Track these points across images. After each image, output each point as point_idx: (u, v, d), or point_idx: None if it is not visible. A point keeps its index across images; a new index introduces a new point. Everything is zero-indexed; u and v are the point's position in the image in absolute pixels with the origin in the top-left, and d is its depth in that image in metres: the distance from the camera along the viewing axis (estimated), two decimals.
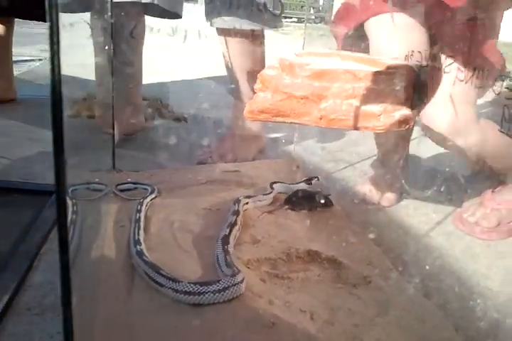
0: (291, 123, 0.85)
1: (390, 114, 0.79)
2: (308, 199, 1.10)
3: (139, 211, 0.99)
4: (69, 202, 0.99)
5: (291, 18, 4.91)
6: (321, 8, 5.29)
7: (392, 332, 0.70)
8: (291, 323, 0.69)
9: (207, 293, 0.72)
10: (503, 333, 0.73)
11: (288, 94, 0.83)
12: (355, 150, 1.49)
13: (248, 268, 0.83)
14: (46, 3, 0.36)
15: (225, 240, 0.88)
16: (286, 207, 1.10)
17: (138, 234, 0.90)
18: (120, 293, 0.75)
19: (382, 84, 0.80)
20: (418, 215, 1.15)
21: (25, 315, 0.73)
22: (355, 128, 0.81)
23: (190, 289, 0.73)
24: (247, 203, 1.06)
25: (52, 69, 0.40)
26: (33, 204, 1.05)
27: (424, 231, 1.08)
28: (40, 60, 3.27)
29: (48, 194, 1.08)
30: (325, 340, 0.67)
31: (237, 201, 1.04)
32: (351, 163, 1.45)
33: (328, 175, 1.36)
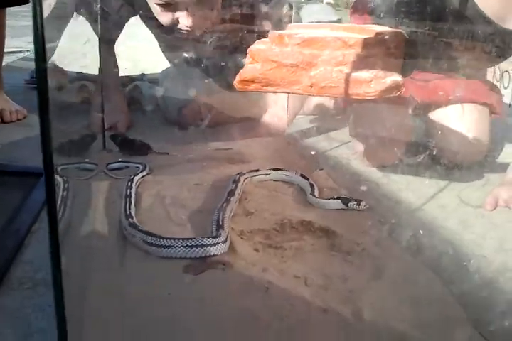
0: (281, 92, 0.85)
1: (380, 80, 0.78)
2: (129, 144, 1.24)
3: (130, 187, 0.99)
4: (59, 180, 0.98)
5: None
6: None
7: (385, 295, 0.70)
8: (285, 288, 0.69)
9: (218, 244, 0.76)
10: (499, 286, 0.73)
11: (277, 63, 0.82)
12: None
13: (242, 238, 0.83)
14: None
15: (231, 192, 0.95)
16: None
17: (129, 209, 0.90)
18: (113, 264, 0.75)
19: (373, 50, 0.79)
20: (411, 190, 1.15)
21: (17, 289, 0.73)
22: (346, 95, 0.80)
23: (203, 242, 0.76)
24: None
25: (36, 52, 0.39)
26: (22, 186, 1.05)
27: (418, 205, 1.07)
28: (27, 51, 3.25)
29: (36, 175, 1.08)
30: (320, 304, 0.67)
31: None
32: (344, 142, 1.44)
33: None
